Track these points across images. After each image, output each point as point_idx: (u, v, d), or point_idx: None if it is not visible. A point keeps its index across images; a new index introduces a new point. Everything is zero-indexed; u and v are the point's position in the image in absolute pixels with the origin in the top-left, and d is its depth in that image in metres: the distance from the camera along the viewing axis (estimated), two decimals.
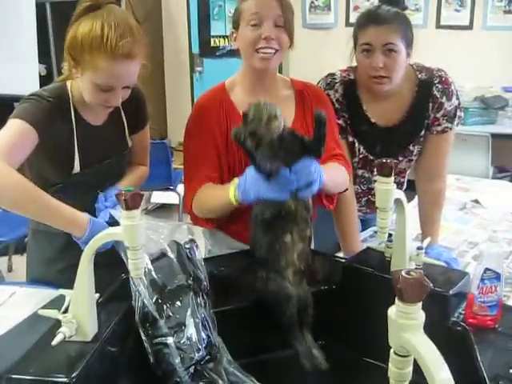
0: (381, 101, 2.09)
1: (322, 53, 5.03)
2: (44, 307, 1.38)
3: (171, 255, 1.50)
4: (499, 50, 4.95)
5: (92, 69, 1.61)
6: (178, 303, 1.42)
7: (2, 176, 1.53)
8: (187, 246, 1.53)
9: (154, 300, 1.39)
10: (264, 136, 1.47)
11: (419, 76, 2.09)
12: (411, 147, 2.15)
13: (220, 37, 5.52)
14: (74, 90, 1.78)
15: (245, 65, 1.90)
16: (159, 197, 4.58)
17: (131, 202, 1.18)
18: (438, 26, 5.09)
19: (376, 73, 1.95)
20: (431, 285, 0.86)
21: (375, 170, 1.48)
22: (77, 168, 1.80)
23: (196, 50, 5.58)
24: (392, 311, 0.91)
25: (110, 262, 1.42)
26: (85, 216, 1.63)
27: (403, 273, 0.84)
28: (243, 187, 1.58)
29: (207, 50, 5.56)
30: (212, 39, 5.54)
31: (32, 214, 1.67)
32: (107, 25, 1.60)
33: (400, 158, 2.17)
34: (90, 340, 1.29)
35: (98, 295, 1.40)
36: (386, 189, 1.44)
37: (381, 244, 1.71)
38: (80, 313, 1.28)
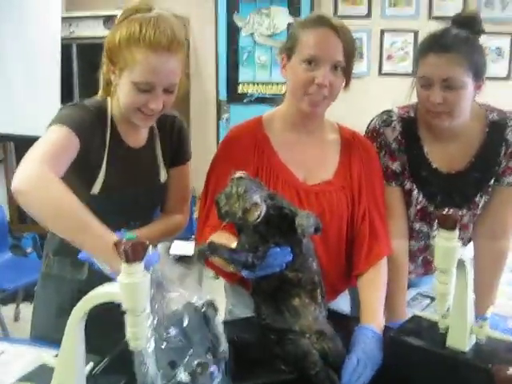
0: (445, 143, 1.82)
1: (353, 102, 4.79)
2: (24, 378, 1.13)
3: (186, 320, 1.26)
4: None
5: (130, 65, 1.52)
6: (193, 382, 1.17)
7: (44, 184, 1.33)
8: (204, 310, 1.29)
9: (162, 376, 1.14)
10: (243, 226, 1.37)
11: (490, 117, 1.81)
12: (477, 198, 1.86)
13: (248, 83, 5.37)
14: (115, 107, 1.67)
15: (290, 102, 1.71)
16: (179, 248, 4.32)
17: (132, 254, 0.93)
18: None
19: (434, 108, 1.69)
20: None
21: (435, 223, 1.23)
22: (96, 189, 1.62)
23: (223, 96, 5.46)
24: None
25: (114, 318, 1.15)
26: None
27: None
28: None
29: (235, 96, 5.42)
30: (240, 86, 5.40)
31: (69, 232, 1.36)
32: (145, 22, 1.52)
33: (464, 211, 1.87)
34: None
35: (91, 365, 1.14)
36: (450, 246, 1.18)
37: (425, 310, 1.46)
38: None
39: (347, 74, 1.64)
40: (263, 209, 1.29)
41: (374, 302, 1.60)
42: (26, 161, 1.37)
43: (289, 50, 1.65)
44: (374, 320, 1.53)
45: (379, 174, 1.78)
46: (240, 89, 5.40)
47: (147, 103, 1.55)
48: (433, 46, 1.69)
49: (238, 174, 1.38)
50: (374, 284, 1.65)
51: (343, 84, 1.66)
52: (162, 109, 1.59)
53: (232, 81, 5.40)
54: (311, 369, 1.34)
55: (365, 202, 1.71)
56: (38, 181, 1.32)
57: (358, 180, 1.71)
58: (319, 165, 1.71)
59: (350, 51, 1.62)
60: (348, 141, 1.76)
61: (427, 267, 1.99)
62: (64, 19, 4.74)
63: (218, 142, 5.32)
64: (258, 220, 1.29)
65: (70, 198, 1.34)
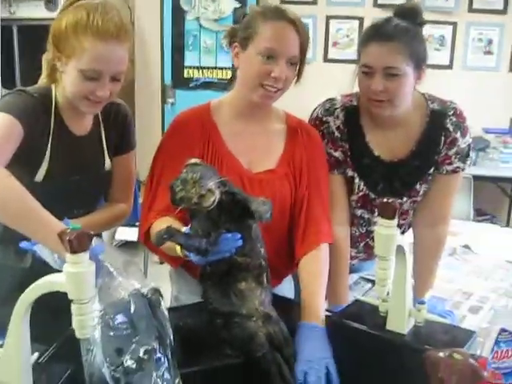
0: (386, 131, 1.86)
1: (298, 88, 4.79)
2: None
3: (132, 307, 1.26)
4: (479, 90, 4.85)
5: (77, 53, 1.51)
6: (139, 368, 1.18)
7: None
8: (149, 296, 1.29)
9: (109, 364, 1.15)
10: (196, 212, 1.39)
11: (431, 106, 1.86)
12: (417, 186, 1.90)
13: (194, 68, 5.34)
14: (59, 94, 1.65)
15: (241, 91, 1.71)
16: (124, 233, 4.29)
17: (77, 244, 0.94)
18: None
19: (376, 96, 1.73)
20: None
21: (376, 210, 1.27)
22: (40, 176, 1.60)
23: (168, 80, 5.41)
24: None
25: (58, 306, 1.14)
26: None
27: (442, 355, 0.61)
28: None
29: (180, 81, 5.39)
30: (185, 70, 5.37)
31: (18, 221, 1.36)
32: (92, 9, 1.52)
33: (404, 198, 1.92)
34: None
35: (37, 354, 1.14)
36: (388, 234, 1.23)
37: (366, 293, 1.50)
38: (10, 379, 1.02)
39: (300, 67, 1.67)
40: (217, 195, 1.32)
41: (312, 291, 1.61)
42: None
43: (244, 40, 1.64)
44: (314, 313, 1.54)
45: (323, 162, 1.81)
46: (185, 73, 5.36)
47: (94, 91, 1.54)
48: (374, 35, 1.73)
49: (193, 160, 1.40)
50: (312, 270, 1.67)
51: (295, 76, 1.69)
52: (108, 96, 1.58)
53: (177, 65, 5.36)
54: (258, 351, 1.37)
55: (305, 189, 1.74)
56: None
57: (300, 167, 1.74)
58: (264, 153, 1.74)
59: (306, 45, 1.65)
60: (294, 129, 1.78)
61: (369, 252, 2.03)
62: None
63: (162, 127, 5.28)
64: (213, 206, 1.32)
65: (17, 187, 1.33)
